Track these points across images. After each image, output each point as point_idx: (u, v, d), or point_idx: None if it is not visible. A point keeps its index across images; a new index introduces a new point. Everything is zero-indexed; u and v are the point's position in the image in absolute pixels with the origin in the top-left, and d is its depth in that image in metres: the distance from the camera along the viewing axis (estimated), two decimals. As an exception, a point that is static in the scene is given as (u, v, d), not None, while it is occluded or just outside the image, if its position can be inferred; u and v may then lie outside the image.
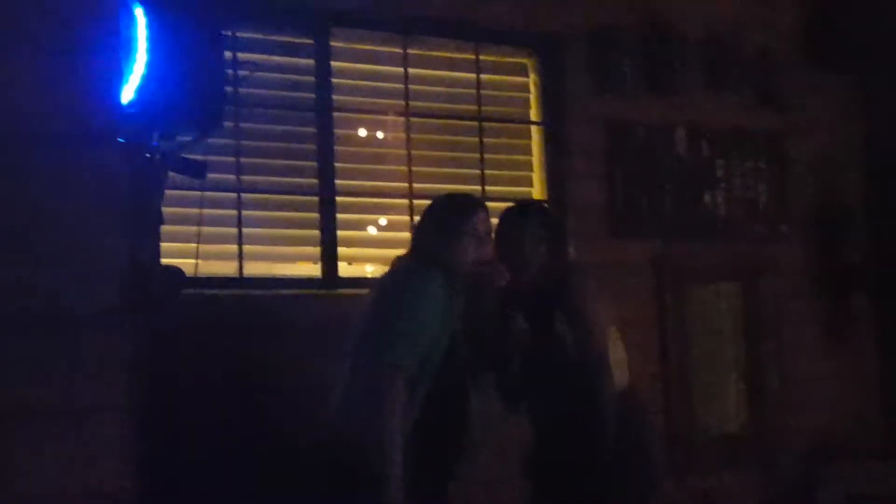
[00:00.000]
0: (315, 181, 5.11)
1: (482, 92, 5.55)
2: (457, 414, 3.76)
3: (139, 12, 3.84)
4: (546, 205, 5.33)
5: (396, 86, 5.36)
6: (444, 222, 3.87)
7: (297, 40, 5.14)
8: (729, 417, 5.89)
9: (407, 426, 3.55)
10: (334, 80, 5.18)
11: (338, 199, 5.12)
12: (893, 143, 6.40)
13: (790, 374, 5.99)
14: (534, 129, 5.69)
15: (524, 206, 4.41)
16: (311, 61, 5.15)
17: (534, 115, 5.70)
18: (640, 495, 4.04)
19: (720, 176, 6.01)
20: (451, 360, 3.68)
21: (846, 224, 6.27)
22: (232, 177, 4.89)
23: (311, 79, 5.15)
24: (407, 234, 4.79)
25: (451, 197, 4.12)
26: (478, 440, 3.83)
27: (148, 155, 4.03)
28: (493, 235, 3.97)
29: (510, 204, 4.35)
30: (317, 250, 5.09)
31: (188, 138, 4.24)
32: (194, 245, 4.53)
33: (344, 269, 5.13)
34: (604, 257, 5.25)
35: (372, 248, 5.20)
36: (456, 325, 3.73)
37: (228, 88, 4.53)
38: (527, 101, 5.71)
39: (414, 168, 5.31)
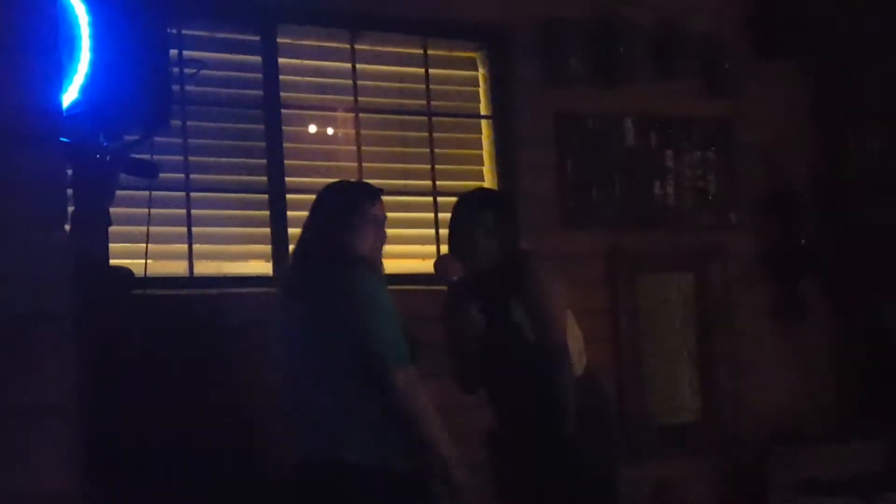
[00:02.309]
0: (264, 179, 5.10)
1: (431, 86, 5.56)
2: None
3: (81, 9, 3.81)
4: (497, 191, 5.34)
5: (345, 82, 5.36)
6: (339, 213, 3.78)
7: (243, 37, 5.13)
8: (681, 405, 5.93)
9: None
10: (282, 77, 5.18)
11: (288, 196, 5.10)
12: (839, 128, 6.46)
13: (742, 361, 6.05)
14: (483, 123, 5.71)
15: (475, 196, 4.39)
16: (257, 58, 5.14)
17: (483, 108, 5.72)
18: (603, 473, 4.09)
19: (669, 165, 6.05)
20: None
21: (795, 210, 6.32)
22: (180, 176, 4.87)
23: (259, 76, 5.14)
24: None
25: (343, 186, 4.03)
26: None
27: (98, 156, 4.00)
28: (385, 223, 3.89)
29: (458, 196, 4.36)
30: (268, 248, 5.08)
31: (135, 138, 4.22)
32: (143, 245, 4.51)
33: (296, 267, 5.11)
34: (555, 248, 5.25)
35: (323, 244, 5.18)
36: None
37: (175, 87, 4.51)
38: (476, 95, 5.73)
39: (364, 164, 5.30)
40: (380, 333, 3.59)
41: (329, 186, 3.94)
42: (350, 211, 3.77)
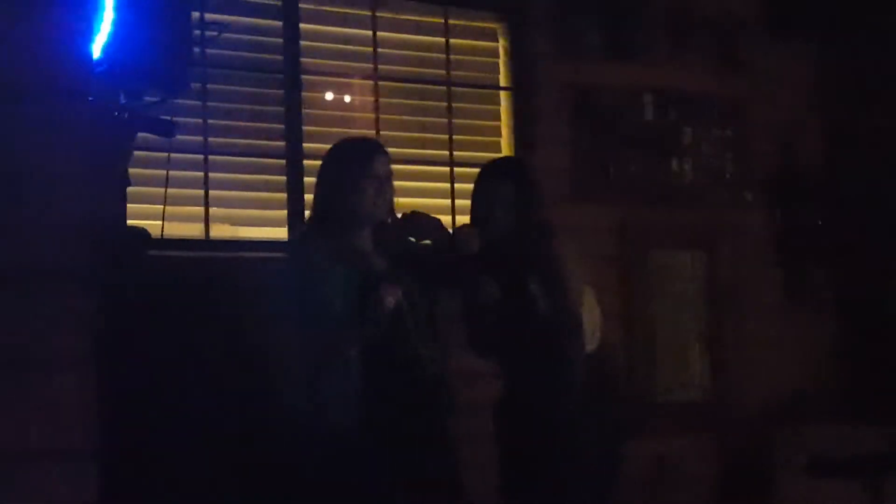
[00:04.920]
0: (282, 144, 5.11)
1: (451, 56, 5.55)
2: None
3: (105, -29, 3.82)
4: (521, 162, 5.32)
5: (365, 49, 5.35)
6: (341, 172, 3.72)
7: (265, 1, 5.12)
8: (689, 382, 5.95)
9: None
10: (302, 43, 5.17)
11: (305, 162, 5.10)
12: (854, 108, 6.44)
13: (751, 339, 6.06)
14: (502, 94, 5.70)
15: (497, 168, 4.35)
16: (278, 23, 5.13)
17: (502, 79, 5.71)
18: (605, 447, 4.11)
19: (684, 141, 6.04)
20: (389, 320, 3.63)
21: (808, 190, 6.32)
22: (199, 138, 4.88)
23: (279, 41, 5.13)
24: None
25: (346, 143, 3.90)
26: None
27: (116, 114, 4.02)
28: (392, 179, 3.80)
29: (480, 167, 4.32)
30: (283, 213, 5.10)
31: (155, 99, 4.24)
32: (160, 207, 4.54)
33: (311, 233, 5.13)
34: (569, 221, 5.23)
35: (339, 211, 5.20)
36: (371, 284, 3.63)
37: (195, 49, 4.52)
38: (495, 66, 5.72)
39: (382, 132, 5.29)
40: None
41: (334, 144, 3.87)
42: (351, 167, 3.70)
